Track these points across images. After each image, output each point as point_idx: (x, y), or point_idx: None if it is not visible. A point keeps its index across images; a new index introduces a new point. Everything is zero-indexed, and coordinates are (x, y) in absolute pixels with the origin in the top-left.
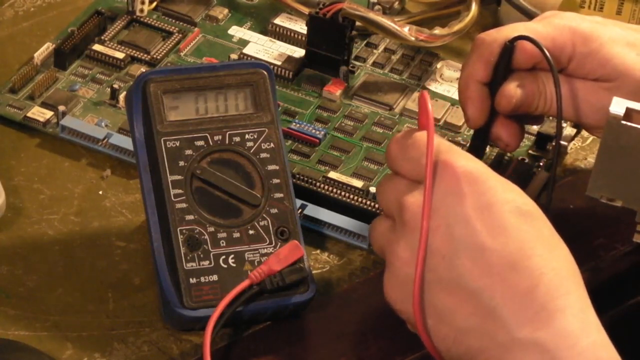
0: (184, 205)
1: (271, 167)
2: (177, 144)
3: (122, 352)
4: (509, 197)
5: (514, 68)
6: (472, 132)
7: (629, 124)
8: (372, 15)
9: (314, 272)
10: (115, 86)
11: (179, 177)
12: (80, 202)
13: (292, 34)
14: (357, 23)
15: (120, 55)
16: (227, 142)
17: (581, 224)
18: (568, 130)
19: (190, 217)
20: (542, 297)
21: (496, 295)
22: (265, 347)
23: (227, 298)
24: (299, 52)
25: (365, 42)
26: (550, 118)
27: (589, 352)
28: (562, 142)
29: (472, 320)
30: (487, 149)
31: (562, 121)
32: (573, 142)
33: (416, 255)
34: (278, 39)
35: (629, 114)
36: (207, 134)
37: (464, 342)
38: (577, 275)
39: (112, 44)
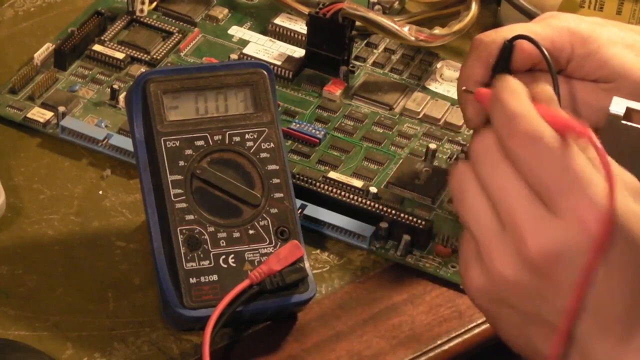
0: (184, 205)
1: (271, 167)
2: (177, 144)
3: (122, 352)
4: None
5: (513, 70)
6: (472, 132)
7: (629, 123)
8: (372, 15)
9: (314, 272)
10: (115, 86)
11: (179, 177)
12: (80, 202)
13: (292, 34)
14: (357, 23)
15: (120, 55)
16: (227, 142)
17: None
18: None
19: (190, 217)
20: None
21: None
22: (265, 347)
23: (227, 298)
24: (299, 52)
25: (365, 42)
26: None
27: None
28: None
29: None
30: None
31: None
32: None
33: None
34: (278, 39)
35: (629, 114)
36: (207, 134)
37: None
38: None
39: (112, 44)
